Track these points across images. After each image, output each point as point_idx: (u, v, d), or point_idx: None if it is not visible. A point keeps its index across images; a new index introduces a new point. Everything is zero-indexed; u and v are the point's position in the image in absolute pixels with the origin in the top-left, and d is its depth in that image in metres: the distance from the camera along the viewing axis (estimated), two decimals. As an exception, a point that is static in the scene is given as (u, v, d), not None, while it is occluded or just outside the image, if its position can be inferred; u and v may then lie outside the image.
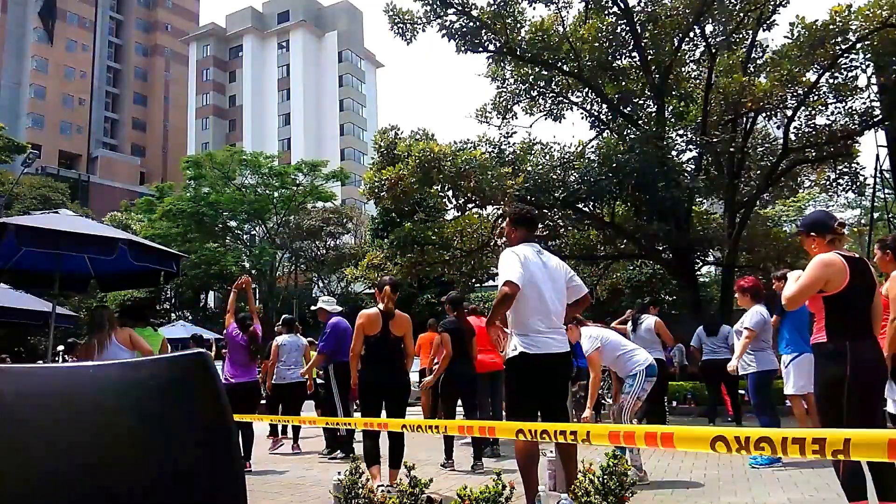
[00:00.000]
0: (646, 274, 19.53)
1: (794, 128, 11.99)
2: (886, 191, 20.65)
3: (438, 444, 6.36)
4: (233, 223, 35.15)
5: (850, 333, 3.24)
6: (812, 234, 3.44)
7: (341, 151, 60.11)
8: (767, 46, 12.97)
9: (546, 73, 13.36)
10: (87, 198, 53.16)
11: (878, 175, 17.84)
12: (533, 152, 12.81)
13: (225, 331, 6.95)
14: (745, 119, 11.94)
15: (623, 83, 13.02)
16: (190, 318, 31.92)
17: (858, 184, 12.97)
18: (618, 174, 10.78)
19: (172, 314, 35.63)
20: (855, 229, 24.95)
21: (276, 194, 34.23)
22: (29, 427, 1.08)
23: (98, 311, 5.91)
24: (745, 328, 5.82)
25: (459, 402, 6.70)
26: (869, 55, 10.97)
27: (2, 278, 7.36)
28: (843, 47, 10.66)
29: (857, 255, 3.39)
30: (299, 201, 33.96)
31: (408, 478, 3.81)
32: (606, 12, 12.54)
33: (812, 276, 3.25)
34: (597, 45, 12.27)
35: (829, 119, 12.02)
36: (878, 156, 17.49)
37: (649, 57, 12.30)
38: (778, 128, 12.58)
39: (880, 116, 11.69)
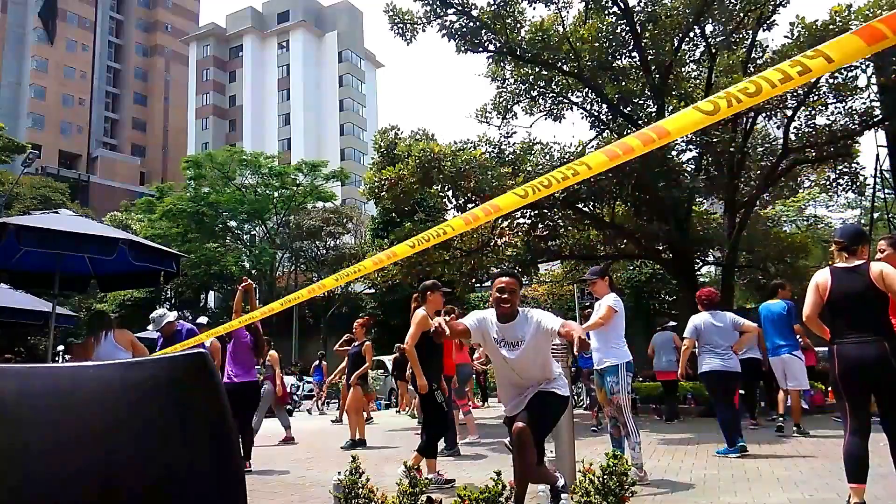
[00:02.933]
0: (646, 274, 19.54)
1: (794, 128, 11.98)
2: (886, 191, 20.65)
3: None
4: (233, 223, 35.16)
5: (835, 336, 3.83)
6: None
7: (341, 151, 60.14)
8: (767, 46, 12.96)
9: (546, 73, 13.34)
10: (87, 198, 53.22)
11: (878, 175, 17.86)
12: (533, 152, 12.79)
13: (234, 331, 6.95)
14: (745, 119, 11.94)
15: (623, 83, 13.00)
16: (190, 318, 31.95)
17: (858, 184, 12.96)
18: (618, 174, 10.77)
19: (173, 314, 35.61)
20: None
21: (276, 194, 34.24)
22: (29, 427, 1.09)
23: (90, 317, 6.08)
24: (684, 338, 6.71)
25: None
26: (869, 55, 10.96)
27: (2, 278, 7.36)
28: (844, 47, 10.64)
29: (851, 265, 3.83)
30: (299, 201, 33.98)
31: (408, 478, 3.80)
32: (606, 12, 12.52)
33: (808, 293, 3.99)
34: (597, 45, 12.25)
35: (829, 119, 12.01)
36: (878, 156, 17.51)
37: (649, 57, 12.28)
38: (778, 128, 12.57)
39: (880, 116, 11.68)
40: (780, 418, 7.85)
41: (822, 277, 3.93)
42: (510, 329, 3.66)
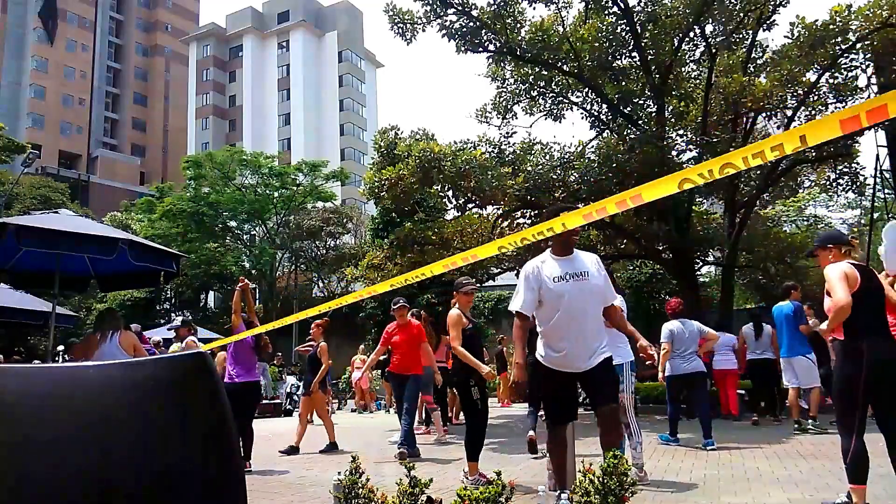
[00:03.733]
0: (646, 274, 19.50)
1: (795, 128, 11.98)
2: (886, 191, 20.63)
3: (437, 443, 6.37)
4: (233, 223, 35.12)
5: (864, 332, 3.68)
6: (829, 246, 4.01)
7: (341, 151, 60.13)
8: (767, 46, 12.95)
9: (546, 73, 13.34)
10: (87, 198, 53.21)
11: (878, 175, 17.82)
12: (533, 152, 12.79)
13: (234, 331, 6.93)
14: (745, 119, 11.93)
15: (623, 83, 13.00)
16: (190, 318, 31.93)
17: (858, 184, 12.98)
18: (618, 174, 10.77)
19: (172, 314, 35.64)
20: (855, 229, 24.94)
21: (276, 194, 34.21)
22: (29, 427, 1.09)
23: (101, 313, 6.25)
24: (661, 342, 7.32)
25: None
26: (869, 55, 10.95)
27: (2, 278, 7.37)
28: (843, 47, 10.65)
29: (864, 265, 3.90)
30: (299, 201, 33.95)
31: (408, 478, 3.80)
32: (606, 12, 12.52)
33: (839, 280, 3.73)
34: (597, 45, 12.26)
35: (829, 119, 12.00)
36: (878, 156, 17.47)
37: (649, 57, 12.28)
38: (778, 128, 12.58)
39: (880, 116, 11.67)
40: (811, 420, 7.91)
41: (849, 269, 3.77)
42: (572, 263, 3.93)
